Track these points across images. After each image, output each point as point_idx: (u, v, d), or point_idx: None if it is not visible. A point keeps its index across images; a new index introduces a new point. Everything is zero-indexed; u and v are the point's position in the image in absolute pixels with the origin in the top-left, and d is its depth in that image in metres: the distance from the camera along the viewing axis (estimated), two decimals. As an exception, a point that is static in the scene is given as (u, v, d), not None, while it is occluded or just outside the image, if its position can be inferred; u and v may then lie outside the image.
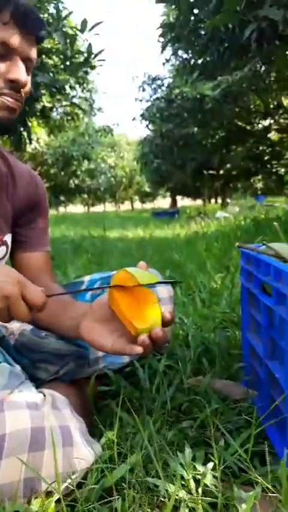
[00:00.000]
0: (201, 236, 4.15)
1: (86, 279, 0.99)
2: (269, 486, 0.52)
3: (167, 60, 9.67)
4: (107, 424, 0.73)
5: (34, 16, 0.68)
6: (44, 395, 0.60)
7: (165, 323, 0.60)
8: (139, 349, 0.57)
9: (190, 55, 5.87)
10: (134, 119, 12.91)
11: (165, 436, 0.67)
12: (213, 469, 0.57)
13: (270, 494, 0.52)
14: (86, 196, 28.25)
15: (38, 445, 0.50)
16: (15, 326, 0.88)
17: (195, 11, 3.12)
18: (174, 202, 26.91)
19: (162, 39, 4.39)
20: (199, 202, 24.26)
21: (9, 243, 0.84)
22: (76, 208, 36.87)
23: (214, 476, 0.56)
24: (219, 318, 1.38)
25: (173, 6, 3.18)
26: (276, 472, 0.58)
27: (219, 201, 18.98)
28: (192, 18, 3.26)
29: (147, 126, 12.47)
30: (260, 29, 2.12)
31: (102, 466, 0.54)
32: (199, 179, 14.88)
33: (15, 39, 0.66)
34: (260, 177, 16.29)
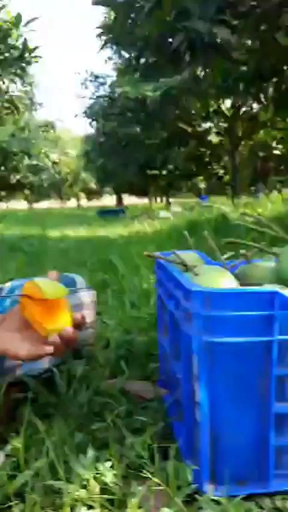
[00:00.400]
0: (141, 236, 4.23)
1: (7, 285, 0.99)
2: (157, 480, 0.57)
3: (110, 58, 9.68)
4: (20, 432, 0.74)
5: None
6: None
7: (76, 325, 0.65)
8: (49, 348, 0.62)
9: (131, 56, 5.91)
10: (76, 115, 12.77)
11: (74, 439, 0.69)
12: (115, 467, 0.60)
13: (162, 487, 0.57)
14: (28, 192, 27.27)
15: None
16: None
17: (132, 15, 3.17)
18: (119, 200, 26.94)
19: (101, 38, 4.40)
20: (146, 200, 24.65)
21: None
22: (19, 204, 35.44)
23: (115, 475, 0.59)
24: (146, 319, 1.43)
25: (110, 8, 3.22)
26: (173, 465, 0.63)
27: (166, 200, 19.43)
28: (130, 21, 3.30)
29: (90, 123, 12.40)
30: (190, 38, 2.22)
31: (2, 473, 0.55)
32: (143, 178, 15.10)
33: None
34: (202, 177, 16.92)
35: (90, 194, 35.68)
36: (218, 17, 2.11)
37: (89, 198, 37.43)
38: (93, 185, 31.00)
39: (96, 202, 37.09)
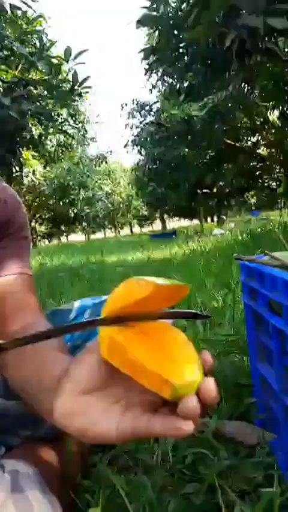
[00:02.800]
0: (199, 254, 4.05)
1: (76, 305, 0.85)
2: None
3: (154, 86, 9.90)
4: (96, 491, 0.59)
5: None
6: (4, 471, 0.46)
7: (208, 370, 0.35)
8: (189, 427, 0.31)
9: (175, 79, 5.96)
10: (126, 145, 13.12)
11: (166, 506, 0.53)
12: None
13: None
14: (85, 224, 28.48)
15: None
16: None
17: (176, 32, 3.14)
18: (163, 224, 27.00)
19: (145, 62, 4.46)
20: (196, 222, 24.55)
21: None
22: (78, 236, 37.14)
23: None
24: (223, 342, 1.25)
25: (153, 29, 3.22)
26: None
27: (215, 219, 19.15)
28: (174, 40, 3.28)
29: (139, 151, 12.66)
30: (241, 39, 2.09)
31: None
32: (194, 199, 14.97)
33: None
34: (252, 192, 16.49)
35: (143, 220, 36.50)
36: (269, 7, 1.96)
37: (141, 225, 38.22)
38: (144, 212, 31.67)
39: (147, 228, 37.75)
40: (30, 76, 3.73)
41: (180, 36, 3.08)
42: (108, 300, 0.37)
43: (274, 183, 14.37)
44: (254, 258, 0.62)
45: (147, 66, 4.23)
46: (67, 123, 6.18)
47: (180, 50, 3.31)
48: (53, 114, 3.40)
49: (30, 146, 3.90)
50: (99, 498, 0.52)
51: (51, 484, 0.48)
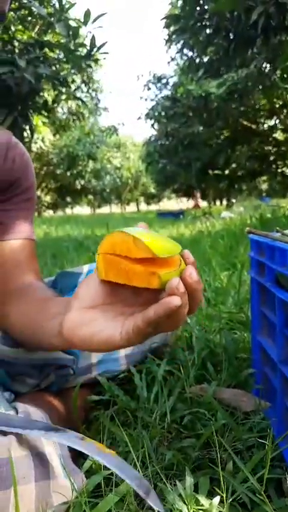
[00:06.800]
0: (207, 235, 4.04)
1: (85, 269, 0.87)
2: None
3: (172, 59, 9.59)
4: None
5: None
6: (17, 412, 0.49)
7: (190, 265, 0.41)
8: (176, 300, 0.36)
9: (195, 53, 5.78)
10: (139, 118, 12.83)
11: (163, 457, 0.56)
12: (221, 501, 0.46)
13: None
14: (91, 197, 28.23)
15: (1, 482, 0.39)
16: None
17: (201, 1, 3.02)
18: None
19: (165, 32, 4.31)
20: (204, 204, 24.30)
21: None
22: (83, 209, 36.90)
23: (221, 512, 0.45)
24: (226, 318, 1.27)
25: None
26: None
27: (224, 202, 18.95)
28: (198, 9, 3.16)
29: (152, 125, 12.38)
30: (267, 14, 2.00)
31: (83, 499, 0.43)
32: (204, 180, 14.76)
33: None
34: (265, 178, 16.19)
35: (150, 198, 36.09)
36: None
37: (148, 202, 37.81)
38: (152, 190, 31.27)
39: (154, 207, 37.37)
40: (46, 38, 3.63)
41: (205, 7, 2.97)
42: (104, 242, 0.42)
43: (288, 170, 14.10)
44: (266, 233, 0.63)
45: (167, 37, 4.10)
46: (80, 90, 6.07)
47: (203, 23, 3.19)
48: (67, 79, 3.32)
49: (42, 112, 3.83)
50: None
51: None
